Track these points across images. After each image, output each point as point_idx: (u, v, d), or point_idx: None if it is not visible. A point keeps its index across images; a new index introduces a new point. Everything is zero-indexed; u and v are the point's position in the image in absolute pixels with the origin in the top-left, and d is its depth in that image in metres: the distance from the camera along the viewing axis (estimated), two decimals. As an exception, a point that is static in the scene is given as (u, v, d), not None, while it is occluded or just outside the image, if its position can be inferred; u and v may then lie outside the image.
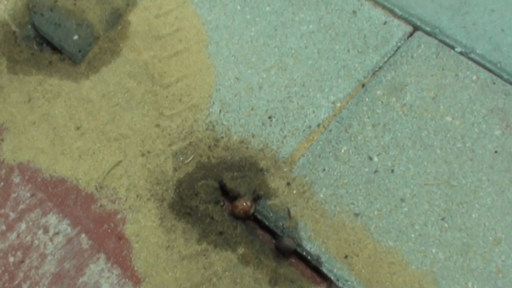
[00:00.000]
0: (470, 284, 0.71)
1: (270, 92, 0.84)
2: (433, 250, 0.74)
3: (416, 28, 0.88)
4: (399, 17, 0.87)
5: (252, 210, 0.80)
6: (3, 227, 0.83)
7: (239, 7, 0.92)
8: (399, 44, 0.88)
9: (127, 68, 0.89)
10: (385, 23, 0.87)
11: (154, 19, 0.92)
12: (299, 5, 0.91)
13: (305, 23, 0.89)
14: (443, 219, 0.75)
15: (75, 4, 0.94)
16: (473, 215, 0.76)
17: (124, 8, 0.92)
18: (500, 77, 0.87)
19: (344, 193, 0.78)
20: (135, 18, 0.92)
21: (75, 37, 0.90)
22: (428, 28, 0.89)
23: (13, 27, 0.77)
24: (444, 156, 0.79)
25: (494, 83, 0.86)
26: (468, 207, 0.76)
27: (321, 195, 0.78)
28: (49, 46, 0.94)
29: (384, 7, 0.88)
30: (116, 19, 0.90)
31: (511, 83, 0.86)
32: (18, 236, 0.82)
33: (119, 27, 0.90)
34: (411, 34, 0.89)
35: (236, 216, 0.80)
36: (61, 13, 0.93)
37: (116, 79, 0.90)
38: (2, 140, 0.87)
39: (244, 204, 0.77)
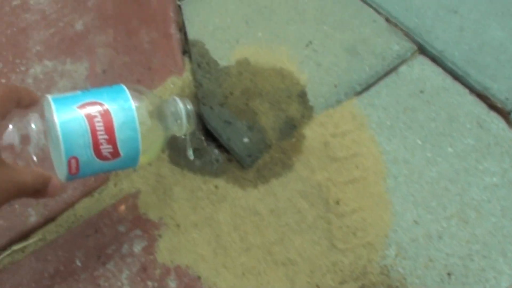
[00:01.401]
0: None
1: (450, 244, 0.82)
2: None
3: None
4: None
5: None
6: None
7: (419, 142, 0.90)
8: None
9: (299, 186, 0.89)
10: None
11: (330, 137, 0.90)
12: (482, 153, 0.89)
13: (489, 174, 0.87)
14: None
15: (247, 104, 0.92)
16: None
17: (299, 120, 0.90)
18: None
19: None
20: (310, 132, 0.90)
21: (245, 139, 0.90)
22: None
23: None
24: None
25: None
26: None
27: None
28: (215, 143, 0.94)
29: None
30: (290, 129, 0.88)
31: None
32: None
33: (293, 139, 0.89)
34: None
35: None
36: (231, 111, 0.92)
37: (286, 195, 0.89)
38: (160, 236, 0.85)
39: None
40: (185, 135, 0.76)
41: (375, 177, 0.92)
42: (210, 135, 0.98)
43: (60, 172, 0.53)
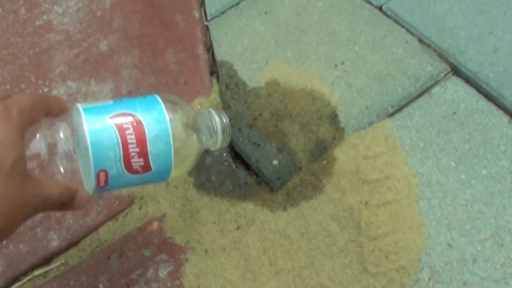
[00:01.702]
0: None
1: (484, 268, 0.91)
2: None
3: None
4: None
5: None
6: None
7: (453, 164, 1.02)
8: None
9: (330, 209, 0.95)
10: None
11: (362, 159, 1.03)
12: (518, 176, 1.00)
13: (525, 197, 0.98)
14: None
15: (276, 126, 1.05)
16: None
17: (330, 142, 1.01)
18: None
19: None
20: (341, 154, 1.01)
21: (275, 162, 0.96)
22: None
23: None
24: None
25: None
26: None
27: None
28: (243, 165, 0.98)
29: None
30: (321, 151, 0.98)
31: None
32: None
33: (324, 161, 0.99)
34: None
35: None
36: (260, 133, 1.01)
37: (317, 218, 0.94)
38: (186, 260, 0.92)
39: None
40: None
41: (408, 199, 1.05)
42: (238, 158, 1.04)
43: (88, 184, 0.55)
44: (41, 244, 1.00)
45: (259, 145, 1.05)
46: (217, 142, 0.70)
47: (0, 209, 0.43)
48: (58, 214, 0.97)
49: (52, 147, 0.52)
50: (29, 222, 0.96)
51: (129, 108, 0.57)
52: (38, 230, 1.01)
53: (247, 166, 1.05)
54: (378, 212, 0.99)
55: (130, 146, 0.55)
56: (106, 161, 0.54)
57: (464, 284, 0.92)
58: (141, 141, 0.55)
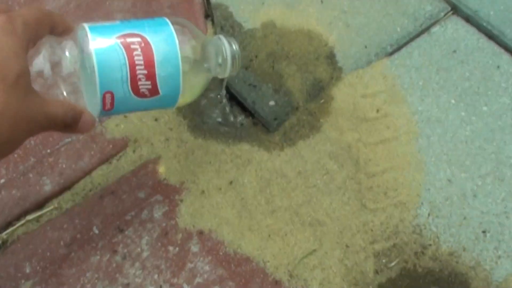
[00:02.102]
0: None
1: (485, 202, 0.90)
2: None
3: None
4: None
5: None
6: None
7: (453, 101, 1.01)
8: None
9: (327, 147, 0.93)
10: None
11: (360, 98, 1.01)
12: (519, 111, 0.99)
13: (526, 132, 0.97)
14: None
15: (273, 67, 1.03)
16: None
17: (328, 81, 0.99)
18: None
19: None
20: (338, 93, 1.00)
21: (271, 102, 0.95)
22: None
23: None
24: None
25: None
26: None
27: None
28: (240, 107, 0.97)
29: None
30: (318, 91, 0.95)
31: None
32: None
33: (321, 101, 0.97)
34: None
35: None
36: (256, 74, 0.98)
37: (314, 157, 0.93)
38: (181, 201, 0.90)
39: None
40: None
41: (407, 137, 1.03)
42: (234, 99, 1.03)
43: (93, 107, 0.53)
44: (34, 189, 1.00)
45: (255, 86, 1.04)
46: (226, 69, 0.66)
47: (4, 121, 0.42)
48: (51, 159, 1.01)
49: (56, 66, 0.50)
50: (21, 167, 0.98)
51: (137, 28, 0.54)
52: (31, 175, 1.01)
53: (243, 107, 1.04)
54: (376, 150, 0.98)
55: (137, 67, 0.53)
56: (113, 82, 0.52)
57: (464, 218, 0.92)
58: (149, 63, 0.53)
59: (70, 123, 0.50)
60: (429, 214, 0.94)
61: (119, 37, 0.52)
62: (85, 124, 0.52)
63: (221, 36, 0.64)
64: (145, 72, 0.53)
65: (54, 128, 0.48)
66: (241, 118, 1.05)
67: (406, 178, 0.97)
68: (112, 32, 0.53)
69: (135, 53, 0.52)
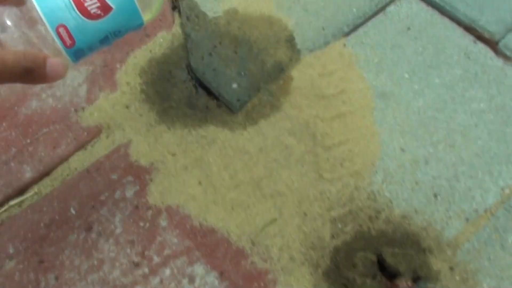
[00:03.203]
0: None
1: (436, 168, 0.97)
2: None
3: None
4: None
5: None
6: (146, 270, 0.91)
7: (407, 76, 1.08)
8: None
9: (287, 124, 1.00)
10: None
11: (318, 77, 1.09)
12: (470, 82, 1.06)
13: (476, 100, 1.04)
14: None
15: (235, 52, 1.11)
16: None
17: (287, 63, 1.07)
18: None
19: (509, 285, 0.92)
20: (297, 74, 1.06)
21: (234, 85, 1.01)
22: None
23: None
24: None
25: None
26: None
27: (485, 285, 0.86)
28: (205, 91, 1.04)
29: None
30: (278, 72, 1.02)
31: None
32: (161, 281, 0.90)
33: (281, 81, 1.04)
34: None
35: None
36: (220, 59, 1.06)
37: (275, 134, 1.00)
38: (151, 180, 0.98)
39: (406, 284, 0.87)
40: None
41: (363, 111, 1.11)
42: (200, 84, 1.11)
43: (58, 51, 0.51)
44: (15, 177, 1.08)
45: (219, 70, 1.11)
46: None
47: None
48: (31, 148, 1.10)
49: (4, 29, 0.49)
50: (3, 157, 1.06)
51: None
52: (12, 164, 1.10)
53: (208, 91, 1.11)
54: (333, 124, 1.03)
55: None
56: (58, 12, 0.49)
57: (417, 183, 0.96)
58: None
59: (30, 67, 0.48)
60: (383, 181, 1.00)
61: None
62: (53, 69, 0.50)
63: None
64: None
65: (13, 77, 0.47)
66: (206, 101, 1.11)
67: (361, 149, 1.03)
68: None
69: None
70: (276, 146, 1.00)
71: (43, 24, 0.50)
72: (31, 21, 0.50)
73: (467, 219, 0.96)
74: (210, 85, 1.09)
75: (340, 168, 0.96)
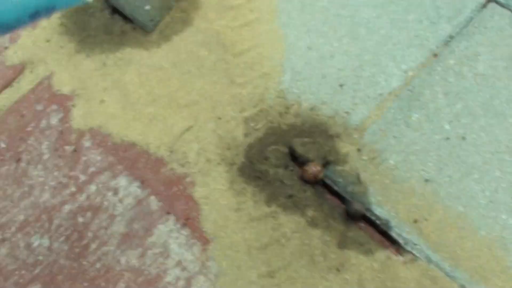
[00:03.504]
0: (542, 250, 0.74)
1: (341, 60, 0.98)
2: (504, 216, 0.84)
3: None
4: (474, -11, 0.93)
5: (321, 175, 0.88)
6: (73, 189, 0.94)
7: (309, -21, 1.07)
8: (472, 15, 1.00)
9: (198, 37, 1.02)
10: (459, -6, 0.92)
11: (226, -11, 1.08)
12: (372, -23, 1.06)
13: (378, -6, 1.04)
14: (516, 186, 0.79)
15: (147, -24, 1.11)
16: (549, 183, 0.79)
17: None
18: None
19: (415, 159, 0.92)
20: None
21: (147, 7, 1.03)
22: (502, 0, 1.04)
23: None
24: (518, 124, 0.83)
25: None
26: (543, 175, 0.79)
27: (391, 162, 0.91)
28: (121, 16, 1.06)
29: (458, -21, 0.94)
30: None
31: None
32: (88, 197, 0.93)
33: None
34: (484, 5, 1.01)
35: (306, 181, 0.89)
36: None
37: (187, 47, 1.02)
38: (73, 106, 1.01)
39: (314, 168, 0.88)
40: None
41: (269, 16, 1.10)
42: (115, 10, 1.13)
43: None
44: None
45: None
46: None
47: None
48: None
49: None
50: None
51: None
52: None
53: (123, 16, 1.13)
54: (241, 32, 1.04)
55: None
56: None
57: (323, 77, 0.97)
58: None
59: None
60: (291, 79, 1.01)
61: None
62: None
63: None
64: None
65: None
66: (122, 25, 1.12)
67: (269, 52, 1.05)
68: None
69: None
70: (189, 59, 1.01)
71: None
72: None
73: (372, 104, 0.99)
74: (124, 10, 1.11)
75: (250, 71, 0.96)
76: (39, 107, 1.05)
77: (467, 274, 0.81)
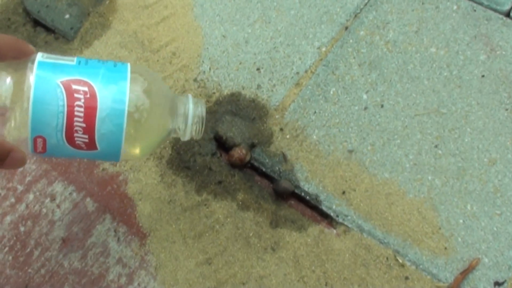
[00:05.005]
0: (469, 206, 0.75)
1: (256, 45, 0.87)
2: (429, 177, 0.75)
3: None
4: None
5: (248, 158, 0.82)
6: (12, 200, 0.86)
7: (217, -31, 0.94)
8: (378, -15, 0.91)
9: (117, 39, 0.94)
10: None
11: (141, -10, 0.95)
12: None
13: (284, -24, 0.92)
14: (436, 146, 0.76)
15: (62, -14, 0.97)
16: (466, 139, 0.78)
17: None
18: (480, 4, 0.88)
19: (337, 132, 0.79)
20: None
21: (67, 16, 0.94)
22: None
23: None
24: (431, 86, 0.82)
25: (475, 10, 0.87)
26: (460, 132, 0.79)
27: (314, 137, 0.80)
28: (43, 28, 0.98)
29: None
30: None
31: (491, 9, 0.88)
32: (27, 206, 0.85)
33: (107, 2, 0.94)
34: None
35: (233, 165, 0.83)
36: None
37: (108, 50, 0.94)
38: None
39: (240, 152, 0.79)
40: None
41: (183, 10, 0.97)
42: (37, 23, 1.04)
43: (24, 145, 0.44)
44: None
45: (51, 6, 1.03)
46: (186, 133, 0.52)
47: None
48: None
49: None
50: None
51: (89, 74, 0.43)
52: None
53: (45, 27, 1.04)
54: (158, 29, 1.00)
55: (76, 119, 0.42)
56: (46, 128, 0.42)
57: (240, 63, 0.93)
58: (90, 117, 0.42)
59: None
60: (210, 69, 0.96)
61: (65, 82, 0.42)
62: (13, 162, 0.42)
63: (190, 96, 0.52)
64: (84, 125, 0.43)
65: None
66: (45, 36, 1.05)
67: (186, 45, 0.99)
68: (61, 72, 0.43)
69: (77, 103, 0.42)
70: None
71: (26, 126, 0.42)
72: (17, 98, 0.42)
73: (290, 83, 0.91)
74: (45, 21, 1.02)
75: (169, 66, 0.95)
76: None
77: (399, 239, 0.74)
